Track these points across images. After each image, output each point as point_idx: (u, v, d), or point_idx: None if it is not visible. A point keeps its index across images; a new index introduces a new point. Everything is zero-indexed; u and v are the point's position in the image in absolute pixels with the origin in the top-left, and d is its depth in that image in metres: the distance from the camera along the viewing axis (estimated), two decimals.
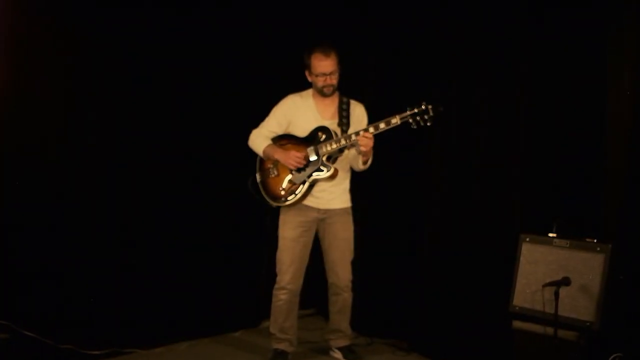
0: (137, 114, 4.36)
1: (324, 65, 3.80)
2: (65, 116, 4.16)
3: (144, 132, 4.38)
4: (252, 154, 4.03)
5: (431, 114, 3.60)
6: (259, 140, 3.98)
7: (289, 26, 4.83)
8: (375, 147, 3.93)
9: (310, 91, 3.98)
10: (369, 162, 3.90)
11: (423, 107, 3.61)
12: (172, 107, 4.49)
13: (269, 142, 3.97)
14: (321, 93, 3.89)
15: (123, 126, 4.32)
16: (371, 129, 3.70)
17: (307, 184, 3.87)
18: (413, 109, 3.62)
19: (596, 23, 3.67)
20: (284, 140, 3.98)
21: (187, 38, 4.51)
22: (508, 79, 3.98)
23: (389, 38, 4.55)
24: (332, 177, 3.88)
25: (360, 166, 3.91)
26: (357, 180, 4.13)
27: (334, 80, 3.84)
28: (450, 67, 4.22)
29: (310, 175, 3.87)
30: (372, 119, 3.84)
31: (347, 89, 4.01)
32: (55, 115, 4.12)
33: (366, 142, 3.69)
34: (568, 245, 3.56)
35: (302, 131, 3.93)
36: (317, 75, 3.83)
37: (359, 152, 3.78)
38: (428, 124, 3.61)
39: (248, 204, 4.15)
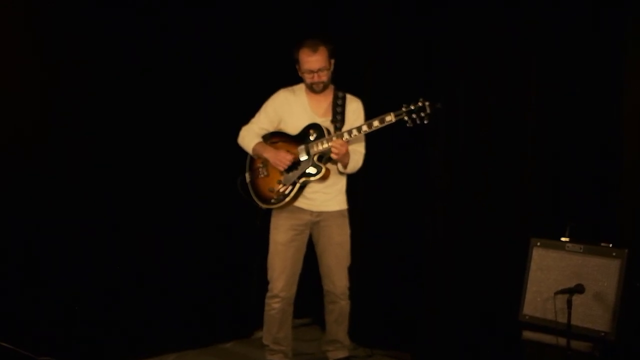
0: (119, 112, 4.28)
1: (311, 62, 3.71)
2: (45, 114, 4.08)
3: (127, 131, 4.30)
4: (242, 153, 3.95)
5: (428, 111, 3.52)
6: (249, 137, 3.91)
7: (283, 18, 4.74)
8: (376, 146, 3.85)
9: (302, 85, 3.90)
10: (351, 166, 3.81)
11: (420, 104, 3.53)
12: (157, 103, 4.40)
13: (259, 139, 3.90)
14: (311, 90, 3.83)
15: (105, 125, 4.25)
16: (353, 132, 3.64)
17: (297, 186, 3.80)
18: (409, 106, 3.54)
19: (612, 15, 3.62)
20: (275, 137, 3.90)
21: (173, 31, 4.44)
22: (518, 77, 3.94)
23: (392, 34, 4.47)
24: (324, 178, 3.80)
25: (340, 169, 3.84)
26: (355, 181, 4.06)
27: (323, 77, 3.75)
28: (457, 65, 4.17)
29: (301, 176, 3.79)
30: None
31: (346, 87, 3.92)
32: (34, 113, 4.04)
33: (337, 149, 3.64)
34: (582, 250, 3.49)
35: (293, 128, 3.85)
36: (304, 72, 3.77)
37: (331, 159, 3.72)
38: (425, 121, 3.53)
39: (238, 206, 4.08)
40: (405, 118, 3.53)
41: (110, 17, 4.17)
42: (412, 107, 3.51)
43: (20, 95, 3.96)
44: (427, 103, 3.50)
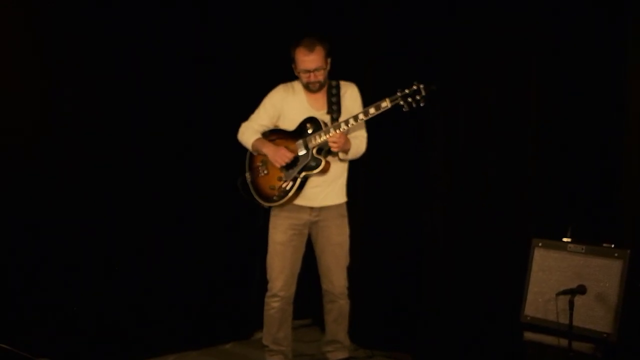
0: (119, 111, 4.28)
1: (307, 61, 3.70)
2: (45, 114, 4.08)
3: (127, 131, 4.31)
4: (242, 153, 3.94)
5: (423, 93, 3.50)
6: (248, 133, 3.90)
7: (283, 18, 4.72)
8: (377, 145, 3.82)
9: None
10: (352, 152, 3.80)
11: (415, 87, 3.51)
12: (157, 103, 4.40)
13: (259, 136, 3.89)
14: (307, 89, 3.81)
15: (105, 125, 4.25)
16: (350, 122, 3.62)
17: (298, 181, 3.78)
18: (404, 90, 3.53)
19: (612, 15, 3.60)
20: (273, 135, 3.90)
21: (173, 31, 4.44)
22: (518, 77, 3.93)
23: (393, 30, 4.45)
24: (324, 170, 3.78)
25: (342, 157, 3.83)
26: (355, 179, 4.04)
27: (319, 76, 3.74)
28: (457, 65, 4.15)
29: (301, 170, 3.77)
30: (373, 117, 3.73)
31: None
32: (34, 113, 4.05)
33: (335, 142, 3.65)
34: (583, 251, 3.46)
35: (291, 123, 3.84)
36: (300, 72, 3.75)
37: (331, 151, 3.72)
38: (421, 104, 3.52)
39: (238, 206, 4.09)
40: (401, 102, 3.52)
41: (110, 17, 4.17)
42: (407, 91, 3.50)
43: (20, 95, 3.96)
44: (421, 86, 3.49)
